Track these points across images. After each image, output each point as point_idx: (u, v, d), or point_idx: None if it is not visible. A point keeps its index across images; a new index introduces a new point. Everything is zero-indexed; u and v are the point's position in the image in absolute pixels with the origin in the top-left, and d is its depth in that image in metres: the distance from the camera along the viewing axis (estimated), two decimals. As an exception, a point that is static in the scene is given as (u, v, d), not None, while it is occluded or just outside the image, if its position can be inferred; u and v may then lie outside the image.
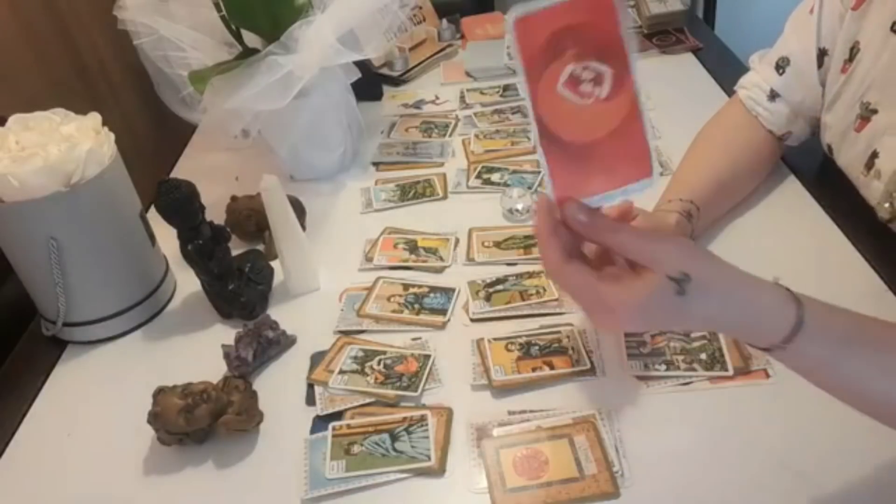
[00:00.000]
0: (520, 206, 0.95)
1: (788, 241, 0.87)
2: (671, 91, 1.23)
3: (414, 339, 0.79)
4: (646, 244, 0.52)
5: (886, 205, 0.77)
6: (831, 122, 0.85)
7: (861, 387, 0.52)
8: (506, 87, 1.31)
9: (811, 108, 0.89)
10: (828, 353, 0.52)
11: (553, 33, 0.48)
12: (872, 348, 0.52)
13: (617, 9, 0.48)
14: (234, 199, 0.98)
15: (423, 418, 0.69)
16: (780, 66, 0.90)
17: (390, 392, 0.73)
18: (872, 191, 0.80)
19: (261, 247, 0.95)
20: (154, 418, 0.68)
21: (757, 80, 0.93)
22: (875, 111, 0.79)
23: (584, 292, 0.53)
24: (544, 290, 0.83)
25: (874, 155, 0.79)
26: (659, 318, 0.53)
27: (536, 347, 0.75)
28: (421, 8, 1.48)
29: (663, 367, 0.72)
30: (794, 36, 0.89)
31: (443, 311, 0.82)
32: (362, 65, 1.08)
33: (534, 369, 0.73)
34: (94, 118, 0.83)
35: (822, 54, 0.86)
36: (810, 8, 0.87)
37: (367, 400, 0.72)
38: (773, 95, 0.91)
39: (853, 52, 0.81)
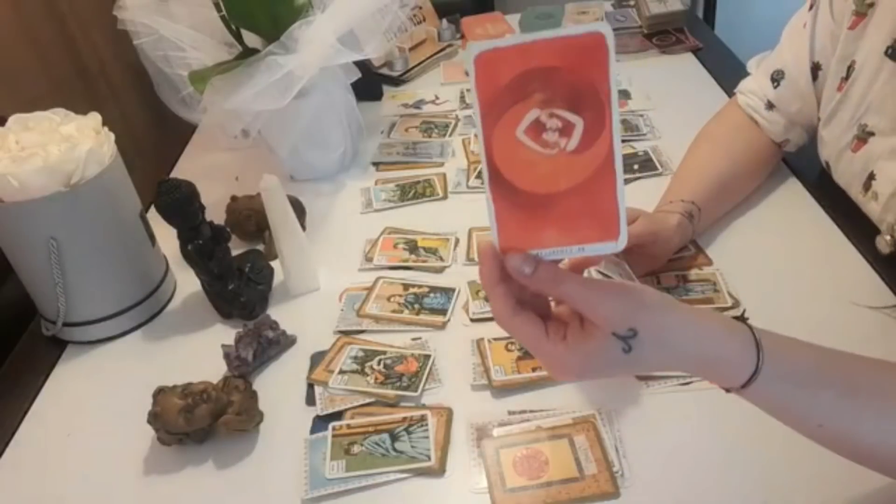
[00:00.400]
0: (520, 207, 0.95)
1: (789, 242, 0.87)
2: (671, 91, 1.23)
3: (414, 339, 0.79)
4: (591, 298, 0.49)
5: (888, 237, 0.78)
6: (828, 139, 0.85)
7: (820, 426, 0.51)
8: (506, 87, 1.31)
9: (807, 118, 0.90)
10: (786, 396, 0.51)
11: (521, 73, 0.44)
12: (832, 390, 0.51)
13: (609, 56, 0.43)
14: (234, 199, 0.98)
15: (423, 418, 0.69)
16: (775, 78, 0.90)
17: (390, 392, 0.73)
18: (870, 210, 0.81)
19: (261, 247, 0.95)
20: (154, 418, 0.68)
21: (755, 87, 0.93)
22: (872, 134, 0.79)
23: (532, 347, 0.52)
24: (544, 290, 0.83)
25: (871, 177, 0.79)
26: (607, 372, 0.51)
27: (536, 347, 0.75)
28: (421, 8, 1.48)
29: (663, 367, 0.72)
30: (788, 48, 0.89)
31: (443, 311, 0.82)
32: (362, 65, 1.08)
33: (534, 369, 0.73)
34: (94, 118, 0.83)
35: (815, 68, 0.86)
36: (804, 22, 0.87)
37: (367, 400, 0.72)
38: (770, 105, 0.91)
39: (850, 70, 0.81)
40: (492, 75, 0.44)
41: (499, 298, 0.50)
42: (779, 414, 0.52)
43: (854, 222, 0.86)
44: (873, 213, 0.80)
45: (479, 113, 0.45)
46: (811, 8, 0.86)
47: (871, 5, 0.77)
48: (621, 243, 0.47)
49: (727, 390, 0.51)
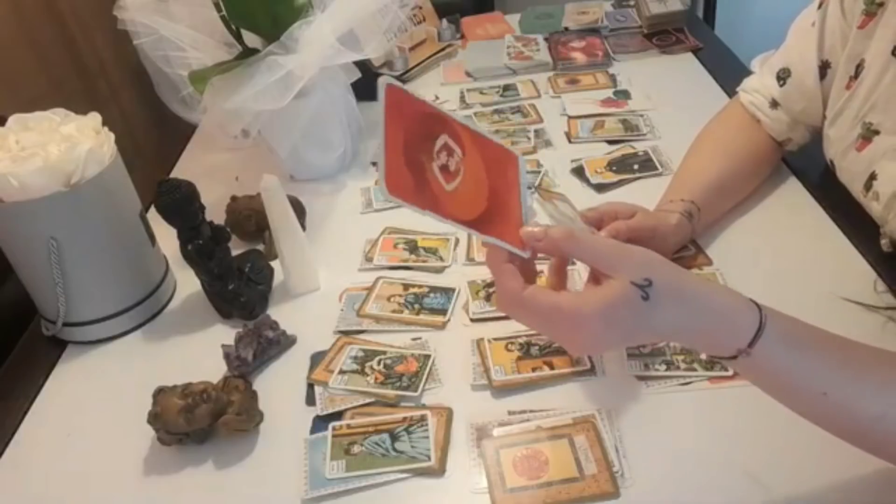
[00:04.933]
0: (520, 206, 0.95)
1: (789, 242, 0.87)
2: (671, 91, 1.23)
3: (414, 339, 0.79)
4: (607, 250, 0.52)
5: (885, 241, 0.79)
6: (834, 137, 0.85)
7: (824, 395, 0.52)
8: (506, 88, 1.31)
9: (812, 118, 0.89)
10: (791, 357, 0.52)
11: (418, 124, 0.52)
12: (834, 358, 0.52)
13: (409, 94, 0.53)
14: (234, 199, 0.98)
15: (423, 418, 0.69)
16: (781, 77, 0.90)
17: (390, 392, 0.73)
18: (872, 211, 0.81)
19: (261, 247, 0.95)
20: (154, 418, 0.68)
21: (759, 85, 0.93)
22: (877, 132, 0.79)
23: (548, 314, 0.52)
24: (544, 290, 0.83)
25: (872, 176, 0.79)
26: (625, 327, 0.52)
27: (536, 347, 0.75)
28: (421, 8, 1.48)
29: (663, 367, 0.72)
30: (795, 47, 0.89)
31: (443, 311, 0.82)
32: (362, 65, 1.08)
33: (534, 369, 0.73)
34: (94, 118, 0.83)
35: (824, 66, 0.86)
36: (812, 21, 0.87)
37: (367, 400, 0.72)
38: (774, 104, 0.91)
39: (858, 69, 0.80)
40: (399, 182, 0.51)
41: (506, 274, 0.53)
42: (783, 382, 0.53)
43: (854, 222, 0.86)
44: (874, 213, 0.80)
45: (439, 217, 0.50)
46: (820, 6, 0.86)
47: (881, 5, 0.77)
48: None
49: (734, 358, 0.52)
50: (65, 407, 0.78)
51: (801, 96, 0.89)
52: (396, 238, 0.95)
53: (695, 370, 0.71)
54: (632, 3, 1.53)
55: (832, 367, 0.52)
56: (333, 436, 0.69)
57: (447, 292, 0.85)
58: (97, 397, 0.79)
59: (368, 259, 0.92)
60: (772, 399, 0.67)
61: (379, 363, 0.76)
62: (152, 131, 1.30)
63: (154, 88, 1.14)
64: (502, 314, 0.80)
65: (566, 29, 1.48)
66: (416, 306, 0.83)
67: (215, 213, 0.89)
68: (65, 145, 0.78)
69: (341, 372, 0.75)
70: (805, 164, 0.97)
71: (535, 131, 1.16)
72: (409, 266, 0.90)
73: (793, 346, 0.52)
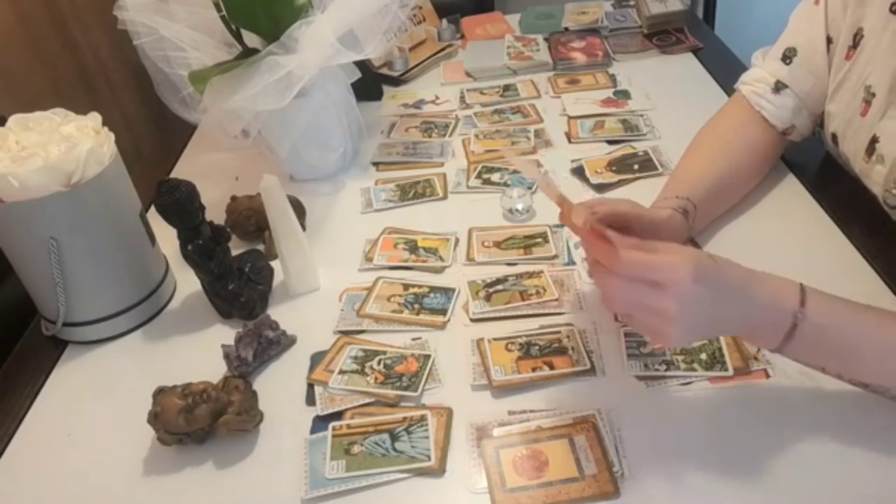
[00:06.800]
0: (520, 206, 0.95)
1: (787, 241, 0.87)
2: (671, 91, 1.23)
3: (414, 339, 0.79)
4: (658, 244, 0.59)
5: (895, 190, 0.77)
6: (835, 111, 0.85)
7: (880, 326, 0.60)
8: (506, 87, 1.31)
9: (817, 100, 0.89)
10: (836, 307, 0.60)
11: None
12: (866, 307, 0.61)
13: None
14: (234, 199, 0.98)
15: (423, 418, 0.69)
16: (787, 56, 0.89)
17: (390, 392, 0.73)
18: (875, 176, 0.79)
19: (261, 247, 0.95)
20: (154, 418, 0.68)
21: (760, 74, 0.93)
22: (874, 94, 0.79)
23: (643, 273, 0.57)
24: (544, 290, 0.83)
25: (874, 140, 0.79)
26: (706, 288, 0.57)
27: (536, 347, 0.75)
28: (421, 8, 1.48)
29: (663, 367, 0.72)
30: (799, 28, 0.89)
31: (443, 311, 0.82)
32: (362, 65, 1.08)
33: (534, 369, 0.73)
34: (94, 118, 0.83)
35: (828, 42, 0.86)
36: (815, 0, 0.87)
37: (367, 400, 0.72)
38: (779, 88, 0.90)
39: (856, 38, 0.80)
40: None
41: (604, 244, 0.59)
42: (841, 338, 0.60)
43: (853, 219, 0.86)
44: (878, 178, 0.79)
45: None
46: None
47: None
48: None
49: (793, 329, 0.59)
50: (65, 407, 0.78)
51: (808, 74, 0.88)
52: (396, 238, 0.95)
53: (695, 370, 0.71)
54: (632, 3, 1.53)
55: (876, 314, 0.60)
56: (333, 436, 0.69)
57: (447, 292, 0.85)
58: (97, 397, 0.79)
59: (368, 259, 0.92)
60: (771, 400, 0.67)
61: (379, 363, 0.76)
62: (152, 131, 1.30)
63: (154, 88, 1.14)
64: (502, 314, 0.80)
65: (566, 29, 1.48)
66: (416, 306, 0.84)
67: (215, 213, 0.89)
68: (65, 145, 0.78)
69: (341, 372, 0.75)
70: (803, 162, 0.97)
71: (535, 131, 1.16)
72: (409, 266, 0.90)
73: (832, 301, 0.60)
